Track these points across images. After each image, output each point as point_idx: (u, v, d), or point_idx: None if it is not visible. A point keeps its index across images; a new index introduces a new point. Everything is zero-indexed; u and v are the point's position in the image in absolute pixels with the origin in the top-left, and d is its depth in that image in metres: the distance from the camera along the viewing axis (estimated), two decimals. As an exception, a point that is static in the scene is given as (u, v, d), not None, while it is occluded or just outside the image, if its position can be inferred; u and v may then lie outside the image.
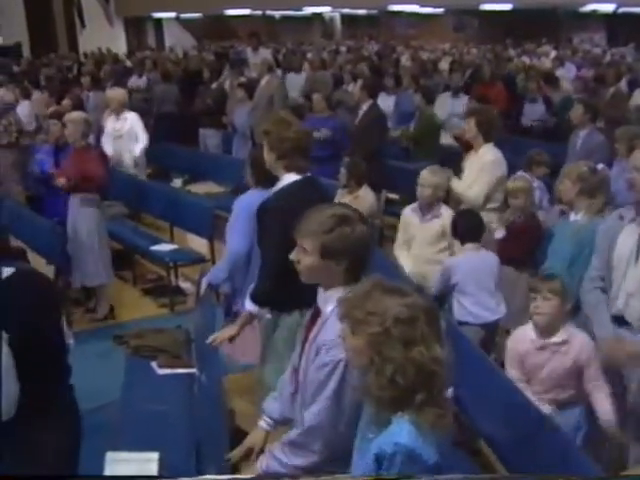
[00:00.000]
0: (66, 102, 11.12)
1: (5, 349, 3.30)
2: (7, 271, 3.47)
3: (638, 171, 4.39)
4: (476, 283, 5.61)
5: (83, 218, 7.51)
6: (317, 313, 3.37)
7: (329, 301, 3.23)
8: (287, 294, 3.75)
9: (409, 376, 2.51)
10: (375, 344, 2.56)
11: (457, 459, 4.16)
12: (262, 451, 3.58)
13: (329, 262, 3.23)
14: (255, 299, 4.56)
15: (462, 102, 11.40)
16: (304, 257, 3.28)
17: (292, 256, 3.34)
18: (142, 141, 10.01)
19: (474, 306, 5.60)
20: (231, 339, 4.75)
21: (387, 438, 2.52)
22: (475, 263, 5.67)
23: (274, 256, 4.11)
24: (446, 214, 6.23)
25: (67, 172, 7.46)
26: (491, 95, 11.59)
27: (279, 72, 15.41)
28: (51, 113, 8.85)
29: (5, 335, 3.28)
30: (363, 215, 3.42)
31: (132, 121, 9.99)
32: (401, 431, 2.52)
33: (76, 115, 7.77)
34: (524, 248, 6.05)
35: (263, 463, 3.41)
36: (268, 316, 4.60)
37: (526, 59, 20.36)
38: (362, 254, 3.27)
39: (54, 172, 7.73)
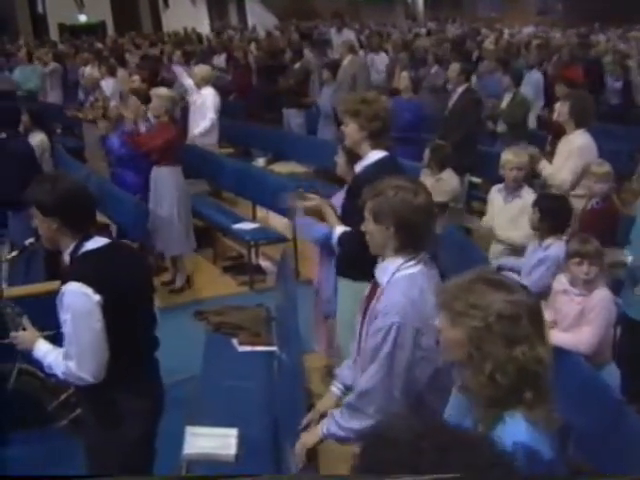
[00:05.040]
0: (136, 77, 11.14)
1: (98, 313, 3.37)
2: (101, 241, 3.56)
3: None
4: None
5: (165, 188, 7.63)
6: (376, 285, 3.47)
7: (385, 272, 3.36)
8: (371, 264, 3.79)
9: (510, 375, 2.39)
10: (475, 339, 2.44)
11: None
12: None
13: (380, 226, 3.33)
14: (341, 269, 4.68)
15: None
16: (365, 224, 3.40)
17: (362, 227, 3.45)
18: (208, 119, 10.00)
19: None
20: None
21: (504, 436, 2.38)
22: None
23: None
24: (528, 196, 6.14)
25: (148, 142, 7.58)
26: (570, 78, 11.32)
27: (362, 53, 15.33)
28: (132, 89, 8.91)
29: (99, 297, 3.35)
30: (424, 186, 3.47)
31: (205, 97, 10.03)
32: (519, 429, 2.41)
33: (163, 91, 7.89)
34: (602, 235, 5.26)
35: (325, 425, 3.53)
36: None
37: (610, 44, 19.84)
38: (410, 221, 3.28)
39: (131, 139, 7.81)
